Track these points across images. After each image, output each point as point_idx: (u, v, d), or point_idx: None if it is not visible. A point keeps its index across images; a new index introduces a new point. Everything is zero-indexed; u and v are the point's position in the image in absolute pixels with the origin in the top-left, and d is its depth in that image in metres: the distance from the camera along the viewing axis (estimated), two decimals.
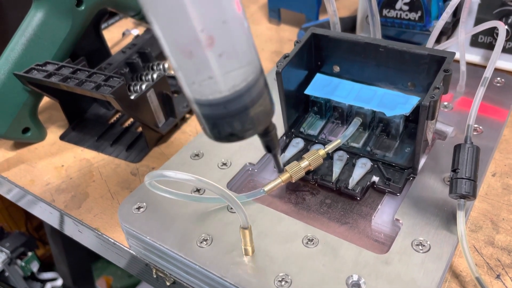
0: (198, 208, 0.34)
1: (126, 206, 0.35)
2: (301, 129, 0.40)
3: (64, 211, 0.40)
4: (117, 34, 0.64)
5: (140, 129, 0.48)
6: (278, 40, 0.62)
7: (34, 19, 0.44)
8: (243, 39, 0.19)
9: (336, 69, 0.40)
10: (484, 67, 0.34)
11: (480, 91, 0.32)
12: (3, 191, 0.46)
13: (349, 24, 0.58)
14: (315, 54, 0.40)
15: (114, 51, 0.57)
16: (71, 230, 0.41)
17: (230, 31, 0.18)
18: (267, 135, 0.24)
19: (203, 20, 0.17)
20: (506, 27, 0.46)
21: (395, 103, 0.36)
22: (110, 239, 0.37)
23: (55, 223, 0.43)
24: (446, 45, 0.44)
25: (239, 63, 0.19)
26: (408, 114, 0.35)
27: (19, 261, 1.00)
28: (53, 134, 0.50)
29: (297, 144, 0.39)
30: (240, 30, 0.19)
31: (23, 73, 0.42)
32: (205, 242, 0.32)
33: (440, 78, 0.32)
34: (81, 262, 1.06)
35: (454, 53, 0.33)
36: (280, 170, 0.31)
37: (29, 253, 1.02)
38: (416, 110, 0.34)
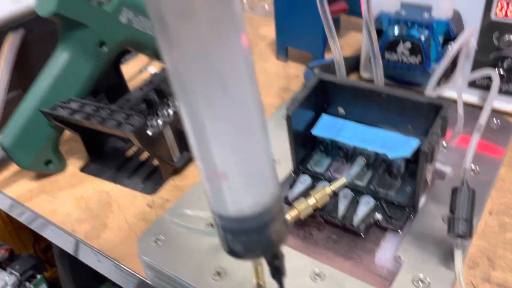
0: (212, 241, 0.37)
1: (145, 239, 0.38)
2: (308, 166, 0.43)
3: (84, 241, 0.43)
4: (133, 68, 0.68)
5: (155, 162, 0.51)
6: (285, 76, 0.65)
7: (59, 59, 0.48)
8: (257, 180, 0.21)
9: (341, 111, 0.43)
10: (481, 107, 0.37)
11: (475, 137, 0.35)
12: (26, 221, 0.49)
13: (353, 63, 0.61)
14: (321, 97, 0.43)
15: (130, 84, 0.60)
16: (90, 259, 0.44)
17: (245, 172, 0.21)
18: (273, 261, 0.25)
19: (221, 159, 0.20)
20: (502, 71, 0.49)
21: (396, 145, 0.39)
22: (129, 270, 0.39)
23: (74, 252, 0.45)
24: (445, 89, 0.47)
25: (247, 195, 0.21)
26: (409, 157, 0.38)
27: (28, 284, 1.01)
28: (73, 165, 0.52)
29: (305, 181, 0.42)
30: (257, 173, 0.21)
31: (49, 110, 0.46)
32: (218, 276, 0.34)
33: (438, 125, 0.35)
34: (88, 284, 1.08)
35: (450, 102, 0.36)
36: None
37: (38, 276, 1.04)
38: (416, 151, 0.37)
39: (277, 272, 0.25)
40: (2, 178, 0.52)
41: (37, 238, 1.25)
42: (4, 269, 1.06)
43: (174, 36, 0.17)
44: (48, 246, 1.26)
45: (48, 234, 0.47)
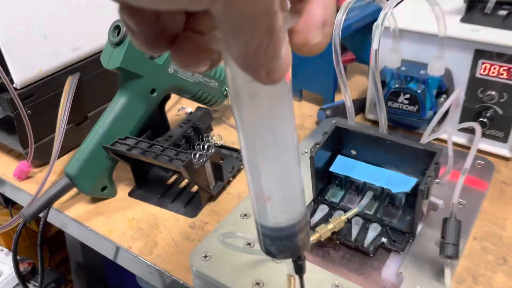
0: (251, 258, 0.45)
1: (195, 255, 0.46)
2: (326, 197, 0.52)
3: (140, 256, 0.51)
4: (170, 102, 0.77)
5: (194, 189, 0.60)
6: (300, 115, 0.75)
7: (118, 103, 0.57)
8: (291, 202, 0.29)
9: (353, 152, 0.52)
10: (469, 147, 0.46)
11: (461, 180, 0.45)
12: (87, 239, 0.57)
13: (359, 106, 0.71)
14: (337, 140, 0.52)
15: (170, 118, 0.69)
16: (143, 272, 0.52)
17: (284, 197, 0.28)
18: (298, 261, 0.32)
19: (268, 187, 0.27)
20: (485, 120, 0.59)
21: (398, 182, 0.48)
22: (180, 280, 0.48)
23: (128, 266, 0.54)
24: (438, 135, 0.56)
25: (283, 212, 0.29)
26: (408, 192, 0.47)
27: None
28: (121, 191, 0.61)
29: (323, 209, 0.51)
30: (292, 197, 0.28)
31: (111, 145, 0.55)
32: (257, 285, 0.43)
33: (432, 169, 0.44)
34: None
35: (442, 149, 0.46)
36: None
37: None
38: (414, 187, 0.47)
39: (300, 269, 0.33)
40: (61, 201, 0.60)
41: (52, 253, 1.32)
42: (28, 282, 1.14)
43: (244, 106, 0.25)
44: (62, 261, 1.34)
45: (114, 255, 0.55)
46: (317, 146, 0.49)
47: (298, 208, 0.29)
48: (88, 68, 0.67)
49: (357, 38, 0.77)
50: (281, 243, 0.30)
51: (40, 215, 0.58)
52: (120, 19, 0.20)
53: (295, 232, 0.29)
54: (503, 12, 0.61)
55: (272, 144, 0.26)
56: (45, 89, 0.63)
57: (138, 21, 0.20)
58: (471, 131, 0.62)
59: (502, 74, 0.56)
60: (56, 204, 0.60)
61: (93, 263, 1.10)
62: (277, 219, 0.29)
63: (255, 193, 0.28)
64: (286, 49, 0.21)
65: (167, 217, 0.57)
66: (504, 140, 0.60)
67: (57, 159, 0.63)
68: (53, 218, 0.61)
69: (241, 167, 0.63)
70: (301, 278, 0.34)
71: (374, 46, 0.51)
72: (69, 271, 1.19)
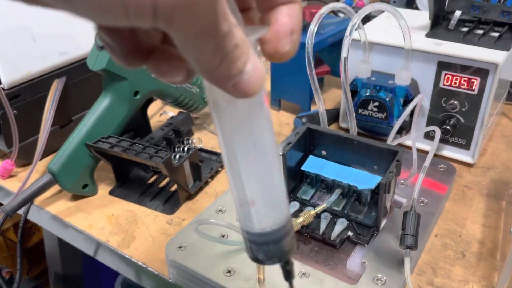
0: (223, 248, 0.48)
1: (171, 246, 0.49)
2: (298, 195, 0.55)
3: (117, 249, 0.53)
4: (154, 108, 0.80)
5: (172, 188, 0.62)
6: (278, 124, 0.78)
7: (102, 104, 0.60)
8: (275, 206, 0.29)
9: (324, 153, 0.56)
10: (434, 154, 0.50)
11: (421, 176, 0.48)
12: (65, 235, 0.59)
13: (334, 114, 0.75)
14: (309, 141, 0.56)
15: (152, 123, 0.72)
16: (120, 265, 0.54)
17: (267, 200, 0.28)
18: (286, 266, 0.32)
19: (250, 191, 0.27)
20: (448, 127, 0.63)
21: (364, 179, 0.51)
22: (155, 271, 0.50)
23: (105, 260, 0.55)
24: (404, 139, 0.60)
25: (268, 217, 0.29)
26: (373, 188, 0.51)
27: None
28: (102, 189, 0.63)
29: (295, 206, 0.54)
30: (275, 201, 0.29)
31: (93, 143, 0.57)
32: (229, 273, 0.45)
33: (394, 166, 0.48)
34: None
35: (404, 149, 0.49)
36: None
37: None
38: (379, 185, 0.50)
39: (289, 275, 0.32)
40: (42, 198, 0.62)
41: (31, 264, 1.32)
42: None
43: (222, 112, 0.26)
44: (41, 273, 1.33)
45: (92, 250, 0.57)
46: (289, 144, 0.52)
47: (283, 212, 0.30)
48: (74, 73, 0.70)
49: (334, 52, 0.81)
50: (267, 248, 0.30)
51: (21, 212, 0.60)
52: (98, 36, 0.21)
53: (281, 236, 0.30)
54: (464, 29, 0.67)
55: (251, 147, 0.27)
56: (32, 90, 0.66)
57: (115, 37, 0.20)
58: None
59: (463, 85, 0.61)
60: (37, 201, 0.61)
61: (72, 274, 1.10)
62: (262, 224, 0.29)
63: (239, 199, 0.29)
64: (256, 64, 0.21)
65: (146, 214, 0.59)
66: (466, 147, 0.64)
67: (40, 159, 0.65)
68: (34, 215, 0.63)
69: (219, 169, 0.65)
70: (290, 284, 0.33)
71: (343, 54, 0.55)
72: (47, 283, 1.18)
